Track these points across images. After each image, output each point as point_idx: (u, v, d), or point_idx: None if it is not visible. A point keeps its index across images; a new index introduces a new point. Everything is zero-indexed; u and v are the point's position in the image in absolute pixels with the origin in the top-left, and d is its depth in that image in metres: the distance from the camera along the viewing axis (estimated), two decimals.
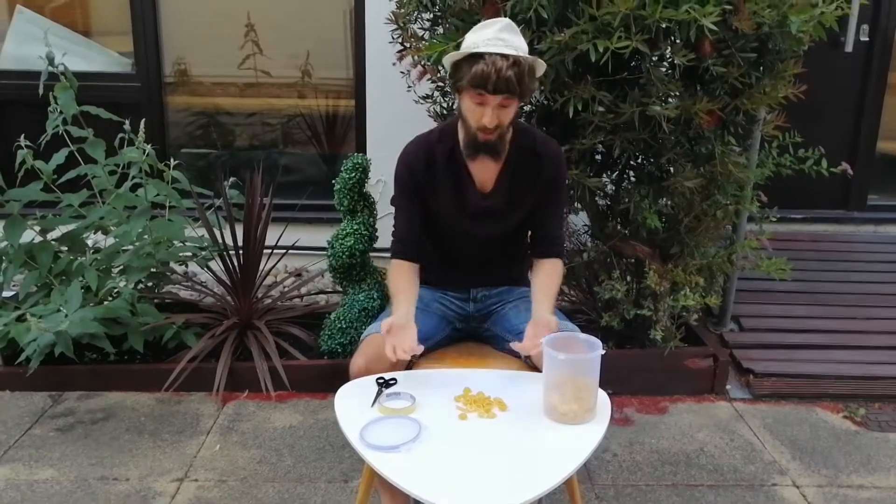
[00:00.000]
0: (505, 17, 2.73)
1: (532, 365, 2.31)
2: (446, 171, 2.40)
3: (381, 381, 2.15)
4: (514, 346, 2.20)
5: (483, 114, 2.18)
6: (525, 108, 3.25)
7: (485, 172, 2.41)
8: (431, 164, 2.39)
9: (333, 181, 3.32)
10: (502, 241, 2.53)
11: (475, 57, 2.12)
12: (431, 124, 3.50)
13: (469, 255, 2.54)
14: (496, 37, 2.13)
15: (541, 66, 2.23)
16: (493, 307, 2.57)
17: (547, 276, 2.41)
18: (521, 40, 2.19)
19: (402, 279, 2.40)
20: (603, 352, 1.99)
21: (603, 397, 2.06)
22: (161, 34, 4.47)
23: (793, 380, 3.48)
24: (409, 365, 2.34)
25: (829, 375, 3.49)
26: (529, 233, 2.55)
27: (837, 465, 2.94)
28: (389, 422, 1.98)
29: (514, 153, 2.37)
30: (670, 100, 2.90)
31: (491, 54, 2.10)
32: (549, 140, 2.47)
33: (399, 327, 2.19)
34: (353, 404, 2.07)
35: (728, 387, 3.47)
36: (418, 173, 2.39)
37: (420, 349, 2.17)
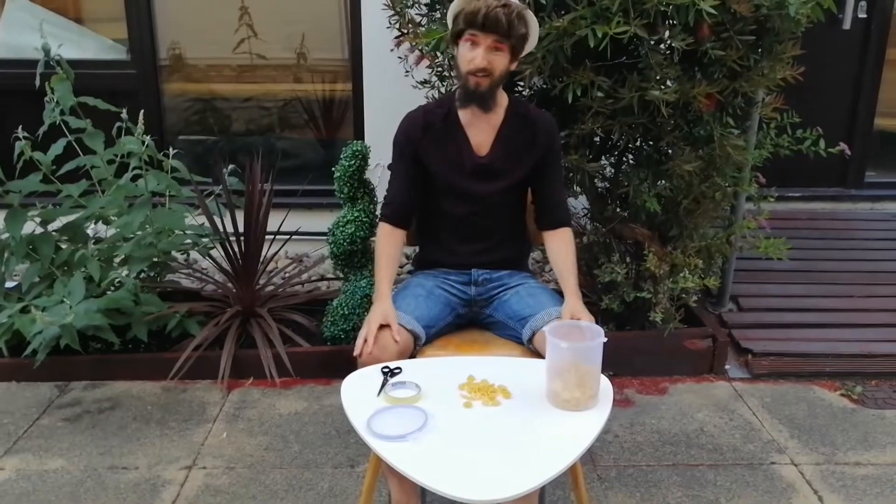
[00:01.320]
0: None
1: (535, 351, 2.34)
2: (443, 133, 2.49)
3: (387, 370, 2.17)
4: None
5: (475, 56, 2.30)
6: (524, 93, 3.25)
7: (481, 135, 2.49)
8: (428, 127, 2.50)
9: (333, 168, 3.32)
10: (500, 206, 2.56)
11: (471, 2, 2.28)
12: None
13: (468, 219, 2.55)
14: None
15: (533, 23, 2.35)
16: (495, 292, 2.59)
17: (562, 253, 2.51)
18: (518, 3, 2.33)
19: (385, 253, 2.51)
20: (605, 339, 2.01)
21: (605, 384, 2.08)
22: (155, 20, 4.45)
23: (791, 359, 3.52)
24: (413, 353, 2.37)
25: (827, 354, 3.53)
26: (534, 207, 2.61)
27: (835, 443, 2.98)
28: (396, 411, 2.00)
29: (509, 119, 2.49)
30: (669, 84, 2.90)
31: None
32: (542, 111, 2.58)
33: (391, 317, 2.32)
34: (359, 394, 2.09)
35: (727, 367, 3.51)
36: (415, 137, 2.49)
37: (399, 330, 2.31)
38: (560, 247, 2.53)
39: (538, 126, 2.50)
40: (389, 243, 2.52)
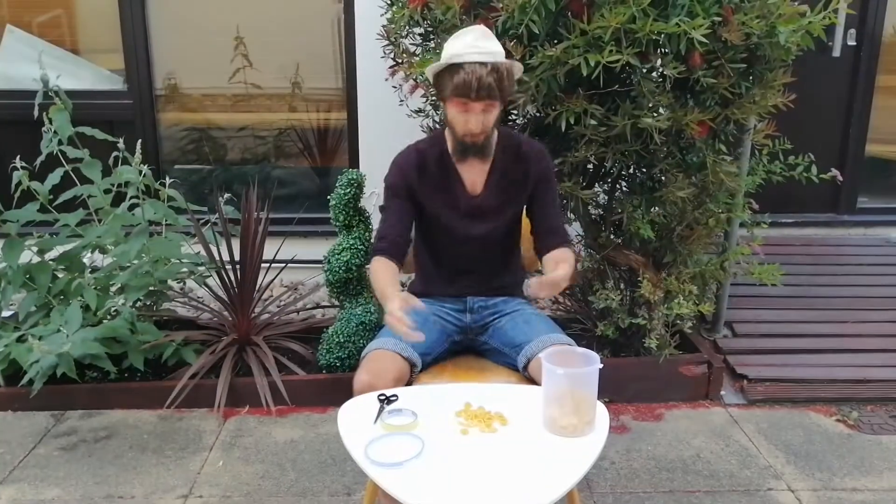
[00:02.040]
0: (497, 32, 2.78)
1: (530, 378, 2.35)
2: (437, 175, 2.48)
3: (383, 397, 2.17)
4: (527, 290, 2.19)
5: (468, 120, 2.29)
6: (517, 121, 3.28)
7: (474, 174, 2.49)
8: (423, 169, 2.47)
9: (329, 196, 3.35)
10: (496, 241, 2.57)
11: (455, 67, 2.22)
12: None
13: (464, 255, 2.57)
14: (473, 45, 2.23)
15: (518, 69, 2.34)
16: (490, 319, 2.60)
17: (558, 254, 2.44)
18: (497, 45, 2.29)
19: (387, 273, 2.36)
20: (601, 366, 2.02)
21: (601, 410, 2.09)
22: (152, 50, 4.48)
23: (786, 384, 3.52)
24: (410, 380, 2.38)
25: (822, 379, 3.53)
26: (533, 237, 2.57)
27: (831, 469, 2.98)
28: (392, 438, 2.00)
29: (501, 155, 2.47)
30: (661, 111, 2.93)
31: (470, 63, 2.20)
32: (532, 140, 2.58)
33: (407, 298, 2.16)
34: (355, 421, 2.09)
35: (722, 392, 3.51)
36: (410, 177, 2.46)
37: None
38: (558, 252, 2.46)
39: (530, 158, 2.50)
40: (385, 267, 2.40)
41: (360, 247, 3.34)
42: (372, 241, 3.39)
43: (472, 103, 2.26)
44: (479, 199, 2.49)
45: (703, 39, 2.67)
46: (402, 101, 3.44)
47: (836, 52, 4.51)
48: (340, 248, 3.33)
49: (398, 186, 2.47)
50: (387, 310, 2.14)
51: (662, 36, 2.70)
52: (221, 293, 3.56)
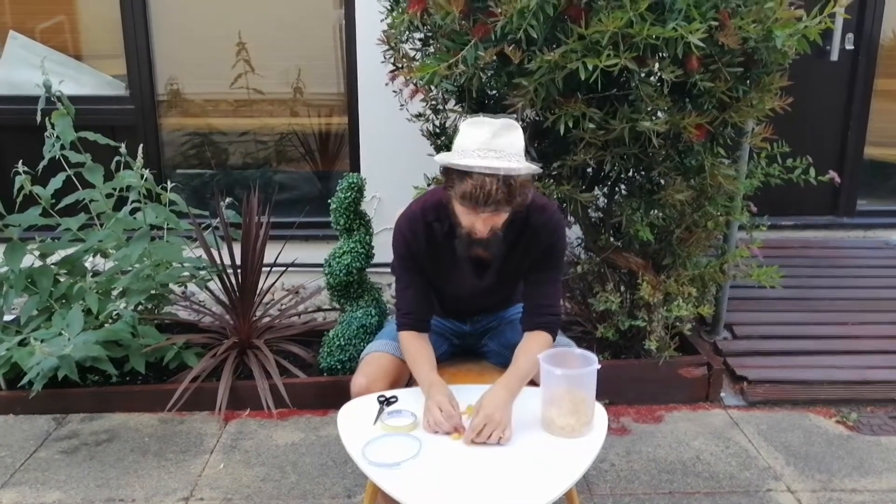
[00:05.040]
0: (495, 36, 2.79)
1: (529, 380, 2.36)
2: (445, 253, 2.33)
3: (383, 398, 2.19)
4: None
5: (474, 222, 2.12)
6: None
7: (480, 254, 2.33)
8: (431, 244, 2.33)
9: (330, 200, 3.36)
10: (498, 299, 2.58)
11: (464, 172, 2.04)
12: (424, 142, 3.56)
13: (466, 304, 2.57)
14: (487, 146, 2.04)
15: (535, 170, 2.12)
16: (490, 324, 2.63)
17: (527, 350, 2.28)
18: (518, 138, 2.11)
19: (417, 349, 2.32)
20: (598, 366, 2.03)
21: (600, 410, 2.10)
22: (154, 56, 4.51)
23: (786, 386, 3.53)
24: (409, 382, 2.39)
25: (822, 381, 3.54)
26: (522, 299, 2.47)
27: (831, 470, 2.99)
28: (391, 439, 2.02)
29: (507, 230, 2.21)
30: (659, 115, 2.95)
31: (479, 173, 2.01)
32: (543, 207, 2.33)
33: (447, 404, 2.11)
34: (355, 422, 2.11)
35: (722, 394, 3.52)
36: (419, 253, 2.34)
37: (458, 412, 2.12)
38: (529, 344, 2.30)
39: (539, 232, 2.31)
40: (418, 342, 2.35)
41: (360, 250, 3.35)
42: (373, 244, 3.41)
43: (478, 212, 2.08)
44: (484, 281, 2.39)
45: (700, 44, 2.68)
46: (402, 105, 3.46)
47: (835, 56, 4.53)
48: (341, 251, 3.35)
49: (409, 260, 2.35)
50: (429, 401, 2.12)
51: (660, 40, 2.71)
52: (223, 297, 3.58)
